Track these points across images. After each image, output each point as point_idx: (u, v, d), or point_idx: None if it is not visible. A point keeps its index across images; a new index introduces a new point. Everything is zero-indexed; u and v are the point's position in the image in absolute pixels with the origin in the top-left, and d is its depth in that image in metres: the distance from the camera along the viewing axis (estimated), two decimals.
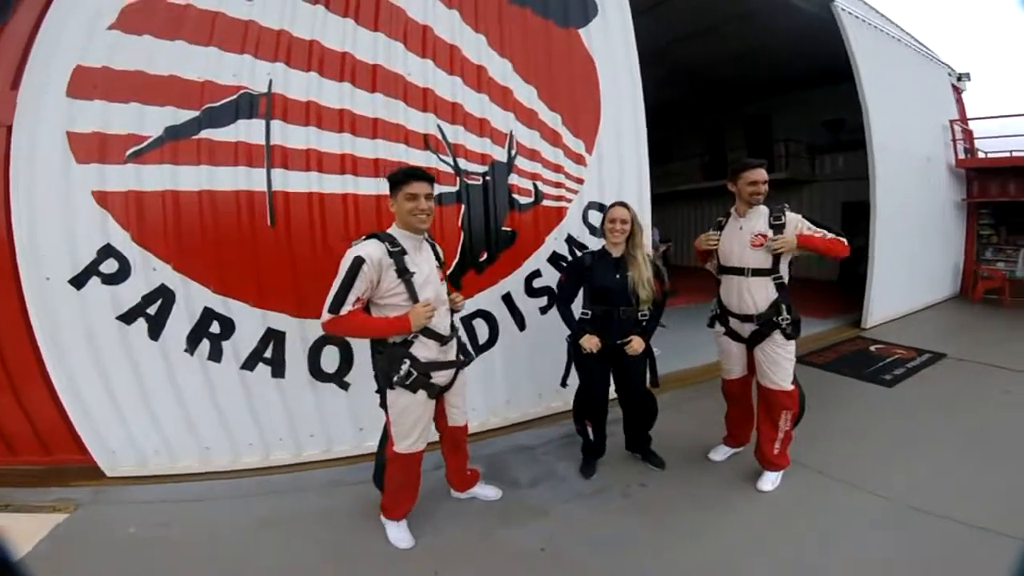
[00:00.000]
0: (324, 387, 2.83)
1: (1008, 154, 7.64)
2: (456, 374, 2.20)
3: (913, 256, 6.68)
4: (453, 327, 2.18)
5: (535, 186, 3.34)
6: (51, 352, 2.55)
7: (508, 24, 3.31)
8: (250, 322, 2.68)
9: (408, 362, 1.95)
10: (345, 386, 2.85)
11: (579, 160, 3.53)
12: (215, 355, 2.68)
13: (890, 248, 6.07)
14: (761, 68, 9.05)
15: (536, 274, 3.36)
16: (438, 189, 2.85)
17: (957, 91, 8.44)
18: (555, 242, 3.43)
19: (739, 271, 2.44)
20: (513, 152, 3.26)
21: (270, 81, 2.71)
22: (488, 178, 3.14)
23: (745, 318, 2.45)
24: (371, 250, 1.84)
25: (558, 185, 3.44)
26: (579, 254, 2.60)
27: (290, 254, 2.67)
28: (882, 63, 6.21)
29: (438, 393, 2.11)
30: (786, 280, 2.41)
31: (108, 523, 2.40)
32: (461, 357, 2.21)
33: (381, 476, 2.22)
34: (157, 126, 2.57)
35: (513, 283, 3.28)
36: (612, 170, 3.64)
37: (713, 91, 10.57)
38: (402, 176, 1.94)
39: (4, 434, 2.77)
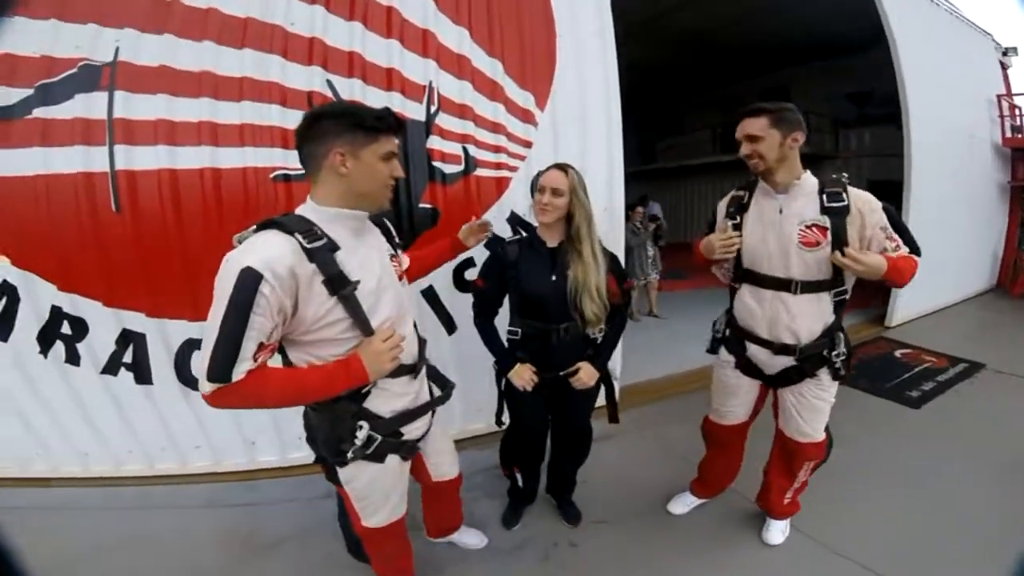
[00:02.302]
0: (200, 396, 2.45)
1: None
2: (432, 416, 1.53)
3: (949, 243, 5.69)
4: (422, 343, 1.43)
5: (465, 151, 2.67)
6: None
7: None
8: (103, 323, 2.32)
9: (365, 425, 1.24)
10: None
11: (527, 118, 2.80)
12: (72, 358, 2.37)
13: (924, 234, 4.96)
14: (780, 33, 8.10)
15: (469, 263, 2.74)
16: None
17: (1003, 66, 7.33)
18: (494, 222, 2.78)
19: (781, 283, 1.61)
20: (433, 108, 2.60)
21: (116, 49, 2.22)
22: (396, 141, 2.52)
23: (781, 349, 1.66)
24: (271, 254, 1.01)
25: (498, 149, 2.74)
26: (506, 242, 1.83)
27: (139, 244, 2.24)
28: (919, 28, 5.22)
29: (417, 449, 1.47)
30: (849, 295, 1.63)
31: None
32: (437, 391, 1.53)
33: (358, 550, 1.67)
34: None
35: (437, 275, 2.68)
36: (571, 132, 2.86)
37: (728, 58, 9.58)
38: (383, 122, 1.15)
39: None
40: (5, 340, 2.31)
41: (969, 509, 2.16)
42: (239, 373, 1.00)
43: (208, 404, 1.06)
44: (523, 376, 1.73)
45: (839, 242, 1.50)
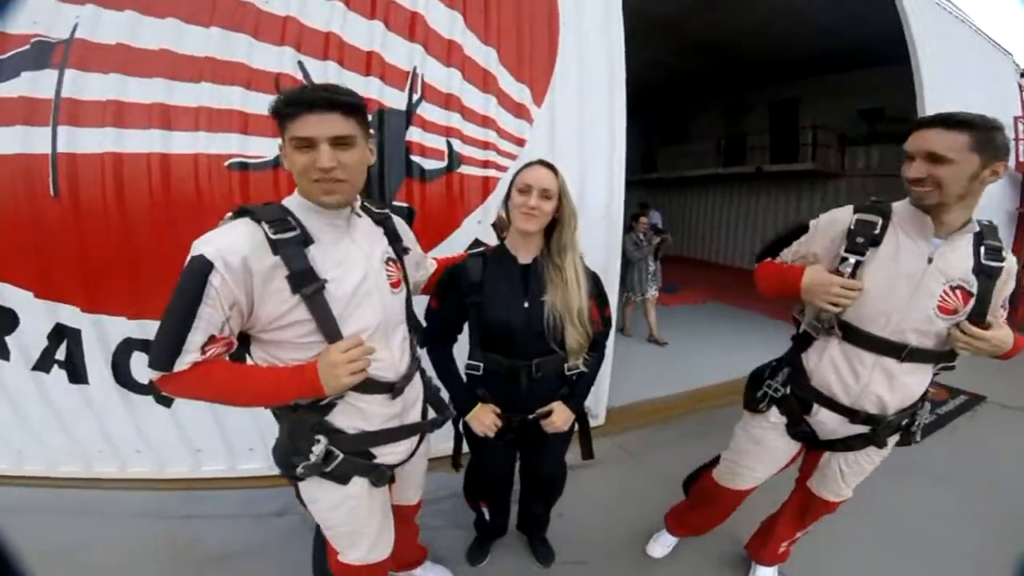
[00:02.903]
0: (140, 399, 2.25)
1: None
2: (420, 441, 1.36)
3: None
4: (415, 360, 1.28)
5: (449, 145, 2.43)
6: None
7: None
8: (35, 315, 2.11)
9: (323, 439, 1.10)
10: (166, 402, 2.25)
11: (521, 113, 2.56)
12: (0, 352, 2.15)
13: None
14: (792, 43, 7.76)
15: None
16: None
17: (1021, 88, 7.03)
18: (479, 227, 2.52)
19: (889, 348, 1.26)
20: (416, 97, 2.37)
21: (75, 26, 2.01)
22: (371, 132, 2.29)
23: (866, 419, 1.35)
24: (227, 243, 0.93)
25: (486, 146, 2.49)
26: (465, 258, 1.49)
27: (77, 232, 2.02)
28: (942, 44, 4.98)
29: (391, 475, 1.28)
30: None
31: None
32: (428, 414, 1.35)
33: None
34: None
35: None
36: (570, 131, 2.63)
37: (737, 67, 9.24)
38: (283, 105, 0.96)
39: None
40: None
41: (968, 562, 2.00)
42: (183, 364, 0.94)
43: (160, 390, 1.00)
44: (484, 421, 1.45)
45: (981, 313, 1.19)
